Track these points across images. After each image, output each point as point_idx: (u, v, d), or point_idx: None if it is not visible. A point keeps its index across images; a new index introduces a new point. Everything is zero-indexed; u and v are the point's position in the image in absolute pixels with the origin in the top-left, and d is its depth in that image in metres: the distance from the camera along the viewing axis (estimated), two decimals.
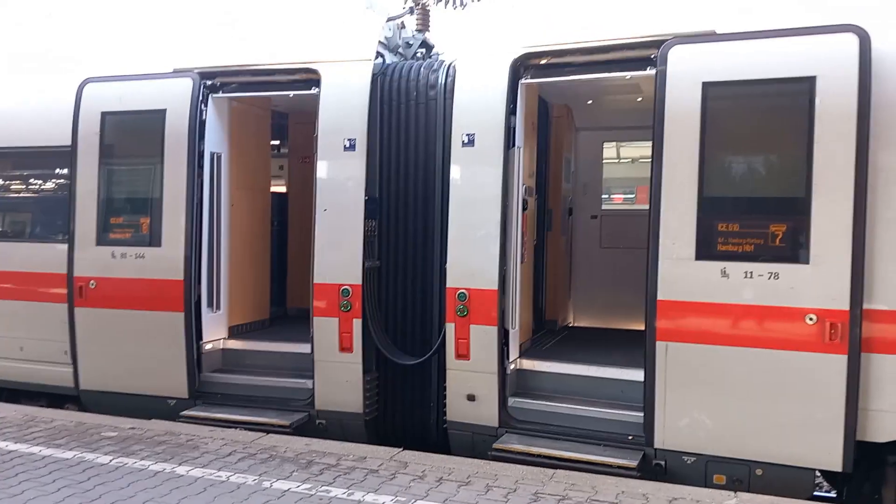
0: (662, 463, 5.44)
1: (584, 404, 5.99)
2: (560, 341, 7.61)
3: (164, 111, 6.91)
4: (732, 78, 5.26)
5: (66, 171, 7.48)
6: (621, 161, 9.88)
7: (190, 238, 6.83)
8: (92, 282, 7.14)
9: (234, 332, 7.57)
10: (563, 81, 6.22)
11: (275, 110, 8.60)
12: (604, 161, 9.04)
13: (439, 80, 6.74)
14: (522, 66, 6.08)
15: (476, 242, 5.99)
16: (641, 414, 5.54)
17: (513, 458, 5.64)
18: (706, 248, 5.26)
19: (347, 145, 6.43)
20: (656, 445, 5.45)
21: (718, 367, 5.25)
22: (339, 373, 6.47)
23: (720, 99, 5.29)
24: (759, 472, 5.19)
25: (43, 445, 5.93)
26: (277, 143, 9.66)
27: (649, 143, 5.54)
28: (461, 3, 8.59)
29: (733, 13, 5.51)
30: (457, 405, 6.15)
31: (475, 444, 6.11)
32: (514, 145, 6.04)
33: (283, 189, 9.66)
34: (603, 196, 9.17)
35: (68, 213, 7.28)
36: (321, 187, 6.49)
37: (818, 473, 5.34)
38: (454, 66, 6.56)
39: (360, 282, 6.37)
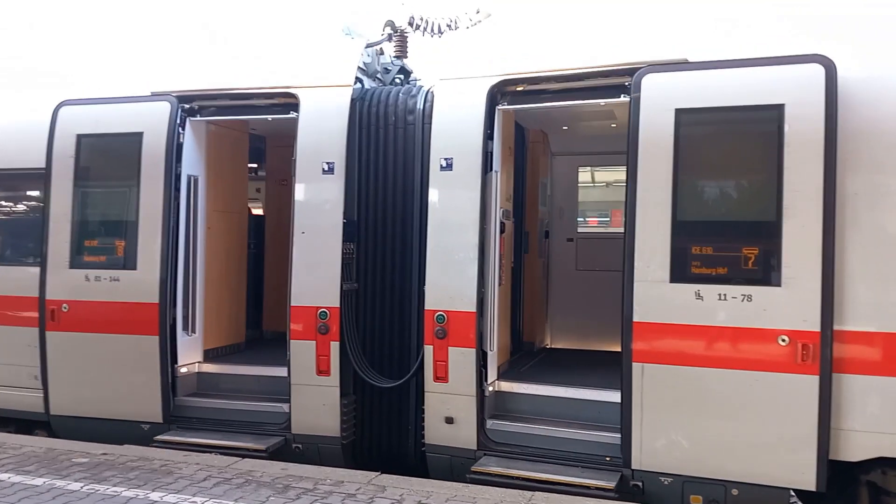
0: (640, 484, 5.47)
1: (561, 426, 6.02)
2: (538, 363, 7.65)
3: (140, 134, 6.89)
4: (704, 105, 5.40)
5: (37, 193, 7.40)
6: (596, 185, 10.05)
7: (166, 261, 6.78)
8: (64, 305, 7.04)
9: (209, 356, 7.50)
10: (539, 108, 6.33)
11: (252, 133, 8.61)
12: (579, 185, 9.19)
13: (417, 106, 6.82)
14: (499, 93, 6.19)
15: (454, 265, 6.04)
16: (619, 435, 5.58)
17: (491, 481, 5.64)
18: (680, 271, 5.35)
19: (326, 169, 6.46)
20: (633, 466, 5.49)
21: (694, 388, 5.32)
22: (316, 396, 6.43)
23: (693, 125, 5.42)
24: (734, 492, 5.25)
25: (12, 472, 5.79)
26: (255, 165, 9.66)
27: (623, 168, 5.65)
28: (438, 31, 8.70)
29: (716, 37, 5.68)
30: (435, 428, 6.14)
31: (454, 466, 6.09)
32: (491, 169, 6.12)
33: (260, 212, 9.65)
34: (578, 219, 9.30)
35: (40, 235, 7.18)
36: (299, 210, 6.50)
37: (793, 493, 5.40)
38: (432, 92, 6.65)
39: (337, 304, 6.36)
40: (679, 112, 5.38)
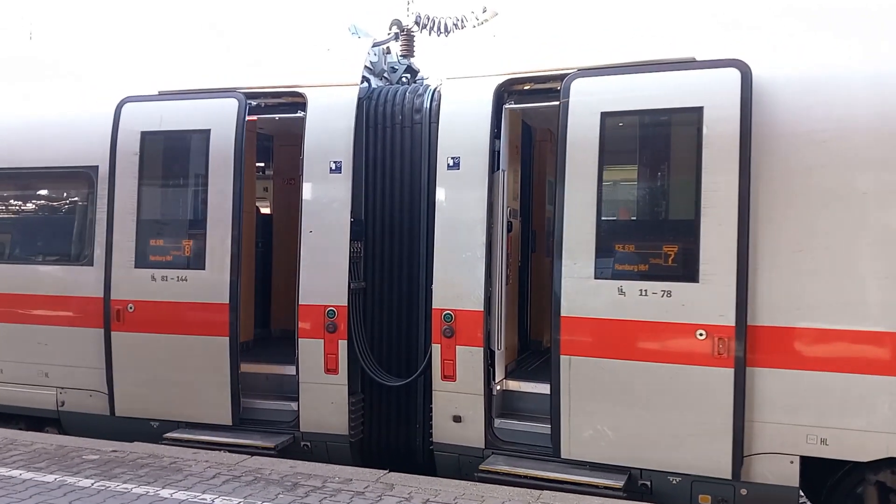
0: (648, 483, 5.49)
1: None
2: (545, 362, 7.62)
3: (208, 131, 6.74)
4: (628, 108, 5.56)
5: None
6: None
7: (236, 261, 6.60)
8: (130, 305, 7.01)
9: None
10: (545, 107, 6.33)
11: (260, 132, 8.63)
12: None
13: (424, 105, 6.83)
14: (506, 92, 6.19)
15: (461, 264, 6.05)
16: None
17: (499, 480, 5.65)
18: (604, 268, 5.51)
19: (333, 168, 6.48)
20: (563, 456, 5.64)
21: (617, 380, 5.47)
22: (324, 394, 6.45)
23: (616, 128, 5.56)
24: (743, 491, 5.26)
25: (23, 468, 5.84)
26: (262, 164, 9.69)
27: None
28: (445, 30, 8.71)
29: (718, 30, 5.71)
30: (443, 426, 6.16)
31: (461, 465, 6.11)
32: (498, 168, 6.13)
33: (267, 211, 9.68)
34: None
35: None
36: (307, 209, 6.51)
37: (801, 493, 5.41)
38: (439, 91, 6.66)
39: (345, 303, 6.38)
40: (604, 115, 5.52)
